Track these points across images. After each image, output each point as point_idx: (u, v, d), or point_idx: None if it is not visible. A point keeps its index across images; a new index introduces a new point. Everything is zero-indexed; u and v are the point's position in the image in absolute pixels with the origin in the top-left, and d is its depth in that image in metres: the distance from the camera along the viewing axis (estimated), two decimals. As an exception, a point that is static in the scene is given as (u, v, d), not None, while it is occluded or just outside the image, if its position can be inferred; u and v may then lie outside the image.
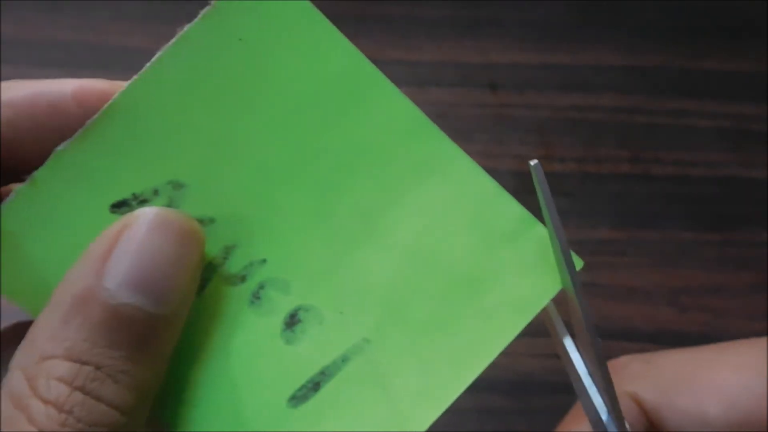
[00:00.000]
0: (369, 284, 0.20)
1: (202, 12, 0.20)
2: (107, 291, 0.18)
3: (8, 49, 0.45)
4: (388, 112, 0.21)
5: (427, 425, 0.20)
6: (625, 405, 0.29)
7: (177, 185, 0.20)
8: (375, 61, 0.21)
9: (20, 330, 0.19)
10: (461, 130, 0.45)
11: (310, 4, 0.20)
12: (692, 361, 0.30)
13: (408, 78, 0.45)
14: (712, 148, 0.45)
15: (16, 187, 0.20)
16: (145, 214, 0.19)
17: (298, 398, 0.20)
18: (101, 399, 0.17)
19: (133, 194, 0.20)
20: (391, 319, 0.20)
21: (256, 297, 0.20)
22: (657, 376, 0.29)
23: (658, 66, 0.47)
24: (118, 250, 0.18)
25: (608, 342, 0.41)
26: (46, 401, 0.17)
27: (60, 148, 0.19)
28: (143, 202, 0.20)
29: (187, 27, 0.20)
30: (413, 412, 0.20)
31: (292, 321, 0.20)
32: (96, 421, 0.17)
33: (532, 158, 0.19)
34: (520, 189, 0.44)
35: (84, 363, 0.17)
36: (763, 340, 0.30)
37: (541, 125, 0.45)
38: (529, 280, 0.21)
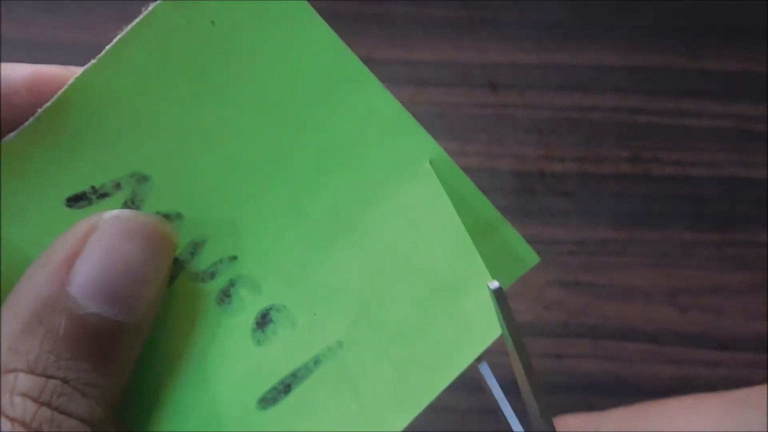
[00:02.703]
0: (343, 285, 0.20)
1: None
2: (72, 300, 0.16)
3: (8, 49, 0.45)
4: (369, 107, 0.20)
5: (399, 429, 0.19)
6: None
7: (141, 178, 0.19)
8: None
9: None
10: (461, 130, 0.45)
11: None
12: (642, 425, 0.29)
13: (407, 78, 0.45)
14: (712, 148, 0.45)
15: None
16: (115, 217, 0.17)
17: (267, 400, 0.19)
18: (70, 414, 0.16)
19: (92, 187, 0.19)
20: (365, 321, 0.19)
21: (225, 295, 0.19)
22: None
23: (658, 66, 0.47)
24: (85, 255, 0.17)
25: (608, 342, 0.41)
26: (11, 419, 0.16)
27: (7, 139, 0.18)
28: (103, 195, 0.19)
29: (152, 5, 0.18)
30: (385, 415, 0.19)
31: (263, 321, 0.19)
32: None
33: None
34: (520, 189, 0.44)
35: (50, 377, 0.16)
36: (718, 397, 0.29)
37: (541, 125, 0.45)
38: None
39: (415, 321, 0.20)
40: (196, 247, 0.19)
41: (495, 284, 0.18)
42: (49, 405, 0.16)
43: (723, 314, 0.42)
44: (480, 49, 0.47)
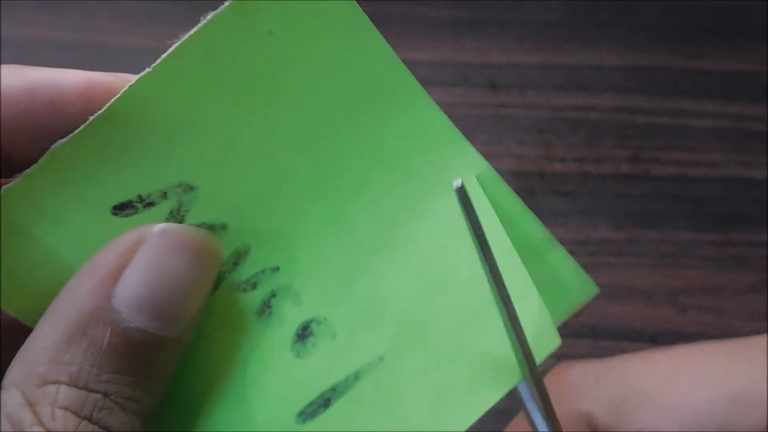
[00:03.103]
0: (385, 300, 0.19)
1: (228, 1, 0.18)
2: (117, 313, 0.16)
3: (8, 49, 0.45)
4: (418, 121, 0.19)
5: None
6: (575, 425, 0.27)
7: (187, 188, 0.19)
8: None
9: (15, 323, 0.18)
10: (461, 130, 0.45)
11: (354, 3, 0.18)
12: (648, 374, 0.28)
13: (408, 78, 0.45)
14: (712, 148, 0.45)
15: (5, 186, 0.18)
16: (163, 231, 0.17)
17: (307, 414, 0.19)
18: (110, 429, 0.16)
19: (139, 196, 0.18)
20: (407, 339, 0.19)
21: (266, 306, 0.19)
22: (610, 392, 0.27)
23: (658, 66, 0.47)
24: (132, 269, 0.17)
25: (608, 342, 0.41)
26: None
27: (57, 144, 0.18)
28: (149, 204, 0.18)
29: (211, 14, 0.18)
30: None
31: (303, 333, 0.19)
32: None
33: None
34: (520, 189, 0.44)
35: (91, 390, 0.16)
36: (724, 344, 0.28)
37: (541, 125, 0.45)
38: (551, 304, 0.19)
39: (458, 341, 0.19)
40: (239, 257, 0.19)
41: (458, 183, 0.17)
42: (90, 419, 0.16)
43: (723, 314, 0.42)
44: (480, 49, 0.47)
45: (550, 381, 0.30)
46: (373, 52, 0.19)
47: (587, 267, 0.21)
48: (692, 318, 0.42)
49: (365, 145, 0.19)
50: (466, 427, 0.18)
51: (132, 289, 0.17)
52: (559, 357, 0.42)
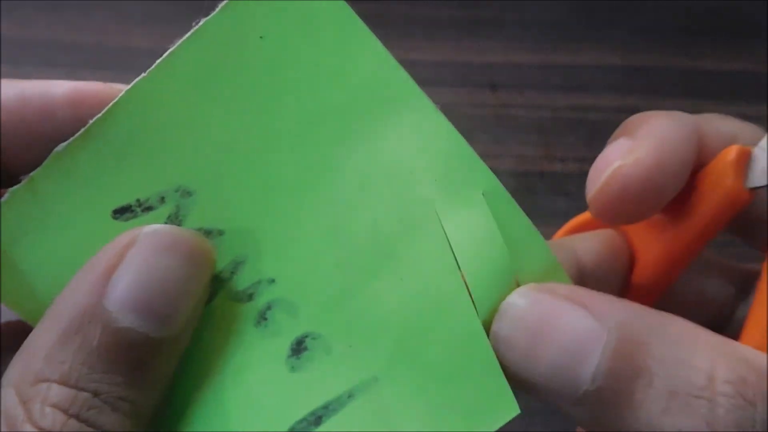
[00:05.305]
0: (383, 318, 0.19)
1: (221, 5, 0.18)
2: (108, 313, 0.17)
3: (8, 49, 0.45)
4: (421, 129, 0.19)
5: None
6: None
7: (185, 192, 0.19)
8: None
9: (19, 327, 0.18)
10: (461, 130, 0.45)
11: (345, 4, 0.19)
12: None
13: (408, 78, 0.45)
14: (712, 148, 0.45)
15: (11, 189, 0.18)
16: (154, 231, 0.18)
17: (298, 431, 0.18)
18: (99, 427, 0.16)
19: (137, 200, 0.19)
20: (404, 358, 0.18)
21: (262, 317, 0.19)
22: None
23: (658, 66, 0.47)
24: (123, 268, 0.17)
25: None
26: (40, 429, 0.16)
27: (59, 148, 0.18)
28: (148, 209, 0.19)
29: (203, 21, 0.18)
30: None
31: (298, 348, 0.19)
32: None
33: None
34: (521, 189, 0.44)
35: (81, 389, 0.16)
36: None
37: (541, 125, 0.45)
38: None
39: (456, 363, 0.18)
40: (236, 266, 0.19)
41: None
42: (77, 417, 0.16)
43: (723, 314, 0.42)
44: (480, 49, 0.47)
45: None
46: (368, 54, 0.19)
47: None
48: (692, 318, 0.42)
49: (364, 153, 0.19)
50: None
51: (122, 289, 0.17)
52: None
